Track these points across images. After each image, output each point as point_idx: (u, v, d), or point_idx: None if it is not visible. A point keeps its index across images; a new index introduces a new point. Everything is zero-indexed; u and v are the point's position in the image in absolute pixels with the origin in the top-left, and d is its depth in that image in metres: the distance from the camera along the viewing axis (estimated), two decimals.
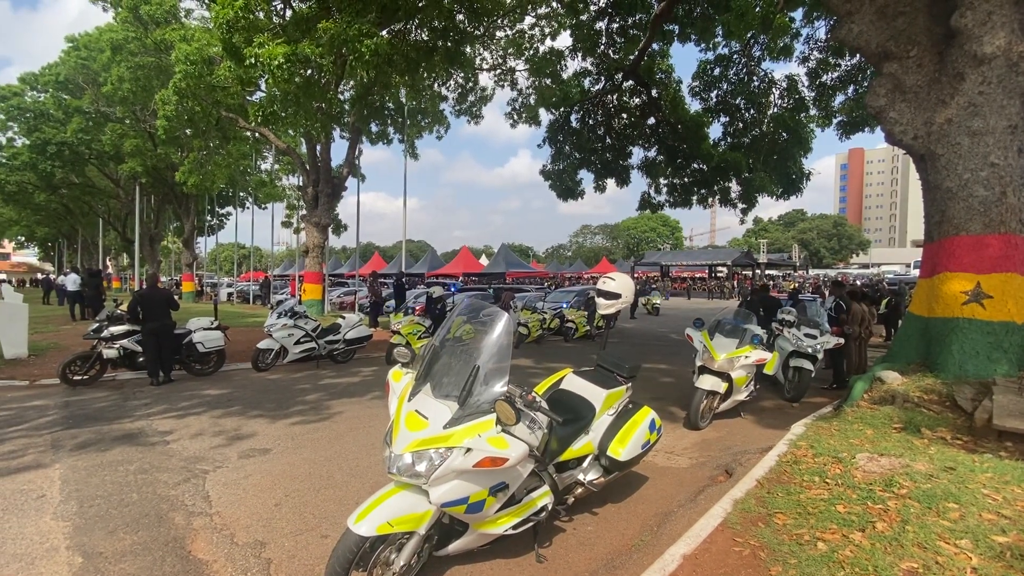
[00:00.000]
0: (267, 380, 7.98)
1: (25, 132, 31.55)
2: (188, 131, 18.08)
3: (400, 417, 2.50)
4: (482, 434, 2.37)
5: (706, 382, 5.62)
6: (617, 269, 45.70)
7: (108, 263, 46.03)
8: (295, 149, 18.68)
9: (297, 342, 8.78)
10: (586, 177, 15.64)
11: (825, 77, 13.12)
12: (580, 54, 13.65)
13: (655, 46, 13.38)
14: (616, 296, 3.81)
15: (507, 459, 2.35)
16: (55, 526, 3.20)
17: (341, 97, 13.53)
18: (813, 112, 13.85)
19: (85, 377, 7.39)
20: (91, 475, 4.00)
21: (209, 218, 34.81)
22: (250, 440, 4.94)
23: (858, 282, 25.14)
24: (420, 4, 9.40)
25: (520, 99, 15.85)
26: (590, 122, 14.67)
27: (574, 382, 3.65)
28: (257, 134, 20.76)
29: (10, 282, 34.56)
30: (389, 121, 16.52)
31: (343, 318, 9.77)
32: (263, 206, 29.70)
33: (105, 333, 7.40)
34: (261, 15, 9.83)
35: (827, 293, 11.49)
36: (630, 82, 14.02)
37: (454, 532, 2.63)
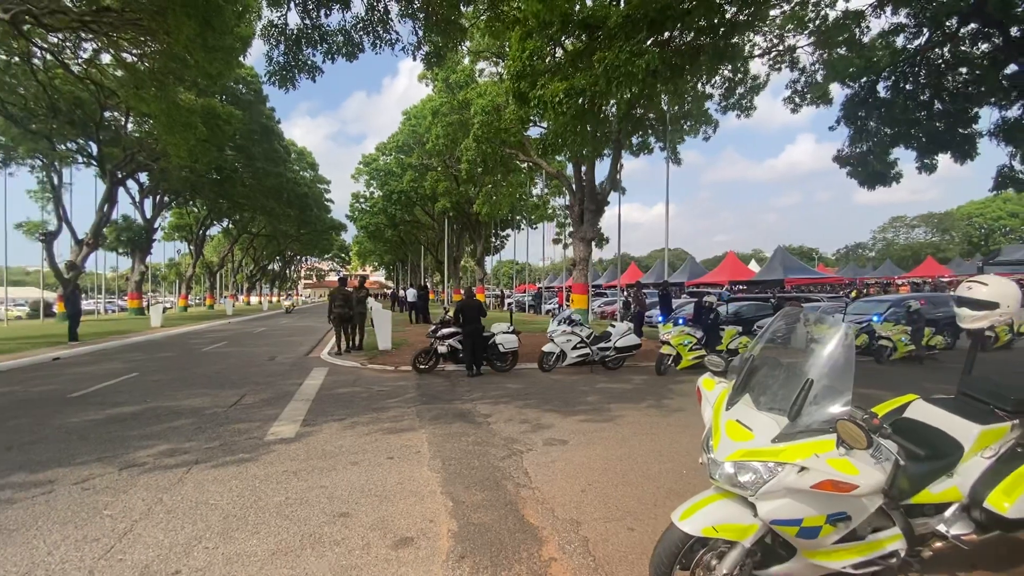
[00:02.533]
0: (552, 379, 8.95)
1: (379, 187, 43.22)
2: (479, 169, 21.81)
3: (720, 425, 2.49)
4: (820, 454, 2.16)
5: None
6: (950, 271, 35.07)
7: (426, 281, 58.98)
8: (563, 172, 20.53)
9: (574, 347, 9.58)
10: (903, 156, 12.57)
11: None
12: (889, 7, 11.10)
13: None
14: (991, 306, 2.93)
15: (856, 486, 2.09)
16: (430, 475, 4.28)
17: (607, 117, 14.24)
18: None
19: (426, 367, 9.65)
20: (445, 441, 5.21)
21: (494, 240, 41.25)
22: (549, 430, 5.63)
23: None
24: (687, 8, 9.22)
25: (803, 79, 13.83)
26: (907, 87, 11.73)
27: (925, 411, 2.96)
28: (529, 164, 23.69)
29: (373, 296, 48.03)
30: (650, 131, 16.62)
31: (613, 326, 10.21)
32: (534, 226, 33.56)
33: (439, 333, 9.55)
34: (535, 60, 11.28)
35: None
36: (971, 26, 10.68)
37: (777, 555, 2.45)
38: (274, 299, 71.86)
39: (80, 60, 20.01)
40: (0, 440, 5.31)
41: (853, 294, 23.45)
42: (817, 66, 13.59)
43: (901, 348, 10.48)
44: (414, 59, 9.04)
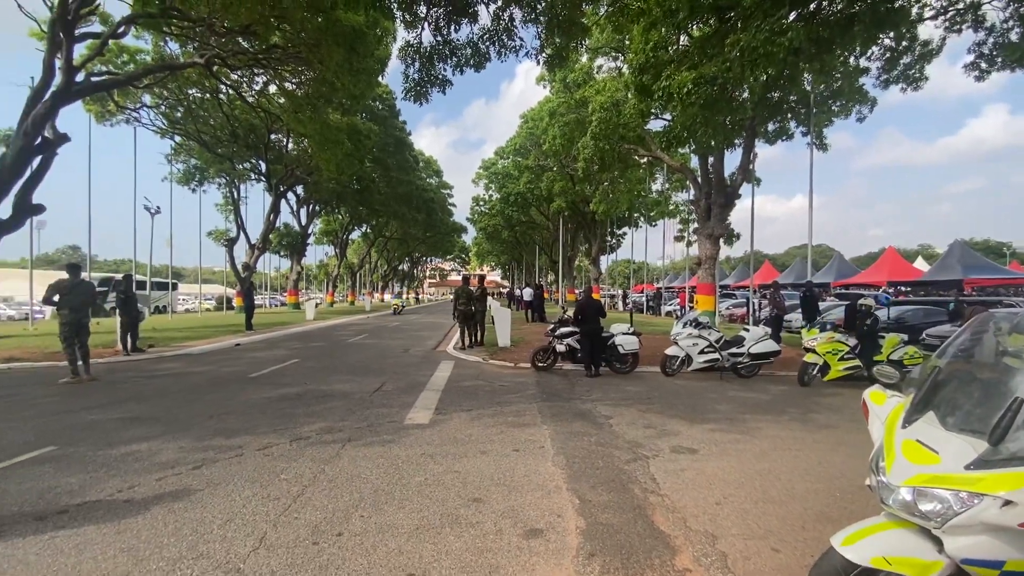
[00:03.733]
0: (676, 384, 8.54)
1: (497, 189, 44.80)
2: (596, 167, 21.51)
3: (895, 445, 2.19)
4: None
5: None
6: None
7: (540, 280, 59.79)
8: (686, 165, 19.47)
9: (701, 352, 9.03)
10: None
11: None
12: None
13: None
14: None
15: None
16: (555, 471, 4.34)
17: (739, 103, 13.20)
18: None
19: (544, 365, 9.80)
20: (568, 439, 5.25)
21: (609, 239, 40.48)
22: (676, 437, 5.39)
23: None
24: None
25: (991, 40, 11.56)
26: None
27: None
28: (649, 159, 22.81)
29: (490, 295, 50.03)
30: (790, 115, 15.02)
31: (747, 331, 9.45)
32: (654, 223, 32.26)
33: (557, 332, 9.64)
34: (659, 51, 10.79)
35: None
36: None
37: None
38: (404, 296, 78.27)
39: (253, 91, 23.64)
40: (203, 410, 6.48)
41: None
42: (1011, 23, 11.28)
43: None
44: (538, 63, 9.24)
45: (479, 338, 13.35)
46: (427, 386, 8.11)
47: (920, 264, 34.31)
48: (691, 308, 19.93)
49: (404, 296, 54.57)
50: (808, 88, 14.07)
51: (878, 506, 2.22)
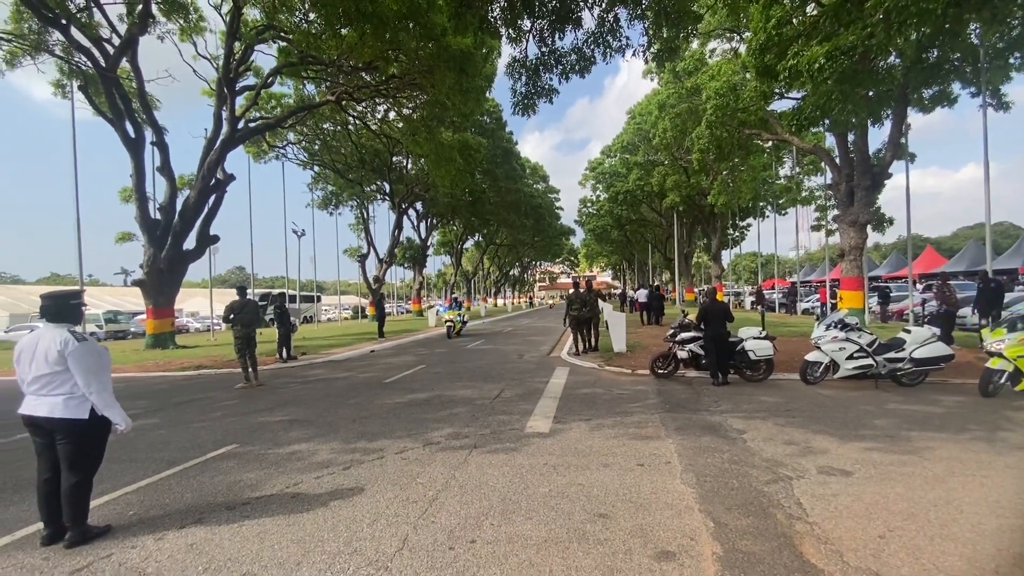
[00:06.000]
0: (820, 394, 7.66)
1: (605, 189, 44.05)
2: (712, 156, 20.13)
3: None
4: None
5: None
6: None
7: (654, 279, 57.45)
8: (820, 145, 17.49)
9: (850, 357, 8.00)
10: None
11: None
12: None
13: None
14: None
15: None
16: (684, 490, 4.13)
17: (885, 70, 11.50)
18: None
19: (664, 372, 9.39)
20: (696, 455, 4.97)
21: (731, 232, 37.65)
22: (824, 456, 4.82)
23: None
24: None
25: None
26: None
27: None
28: (774, 142, 20.78)
29: (601, 297, 49.20)
30: (953, 75, 12.69)
31: (908, 332, 8.17)
32: (783, 212, 29.33)
33: (678, 338, 9.18)
34: (783, 28, 9.76)
35: None
36: None
37: None
38: (516, 300, 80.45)
39: (376, 120, 26.01)
40: (347, 414, 7.23)
41: None
42: None
43: None
44: (645, 61, 8.89)
45: (593, 343, 13.19)
46: (544, 393, 8.21)
47: None
48: (834, 306, 17.73)
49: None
50: (976, 42, 11.74)
51: None
